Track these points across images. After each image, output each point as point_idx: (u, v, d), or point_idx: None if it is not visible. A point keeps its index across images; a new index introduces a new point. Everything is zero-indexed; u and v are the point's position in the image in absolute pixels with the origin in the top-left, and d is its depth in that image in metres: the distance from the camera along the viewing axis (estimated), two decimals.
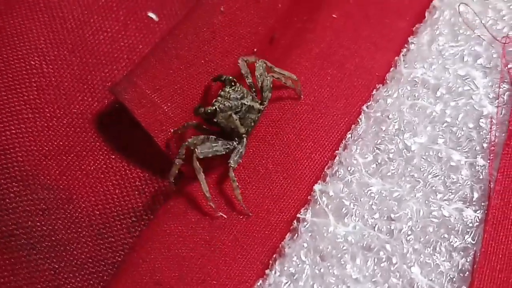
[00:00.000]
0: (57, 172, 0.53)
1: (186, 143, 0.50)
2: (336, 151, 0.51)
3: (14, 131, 0.53)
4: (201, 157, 0.49)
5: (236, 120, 0.50)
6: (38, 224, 0.52)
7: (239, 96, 0.50)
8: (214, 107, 0.50)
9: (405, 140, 0.50)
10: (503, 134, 0.50)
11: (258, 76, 0.52)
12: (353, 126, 0.52)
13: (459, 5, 0.54)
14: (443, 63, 0.53)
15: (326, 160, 0.52)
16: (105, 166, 0.54)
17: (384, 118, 0.51)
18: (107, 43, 0.57)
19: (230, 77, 0.51)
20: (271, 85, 0.52)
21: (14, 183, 0.53)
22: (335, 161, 0.50)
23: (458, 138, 0.50)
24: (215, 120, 0.50)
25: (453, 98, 0.51)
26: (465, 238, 0.47)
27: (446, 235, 0.47)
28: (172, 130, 0.52)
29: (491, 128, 0.50)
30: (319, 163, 0.52)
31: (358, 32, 0.57)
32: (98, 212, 0.53)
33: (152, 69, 0.53)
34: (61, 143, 0.54)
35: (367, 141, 0.50)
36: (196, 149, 0.49)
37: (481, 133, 0.50)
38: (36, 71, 0.55)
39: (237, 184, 0.49)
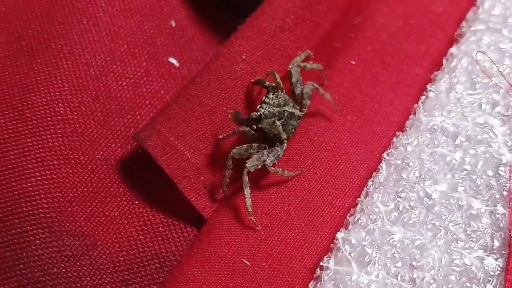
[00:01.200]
0: (82, 218, 0.54)
1: (232, 154, 0.51)
2: (358, 199, 0.52)
3: (39, 178, 0.54)
4: (252, 170, 0.50)
5: (279, 126, 0.51)
6: (64, 270, 0.53)
7: (282, 103, 0.52)
8: (259, 113, 0.51)
9: (425, 188, 0.51)
10: None
11: (295, 82, 0.53)
12: (374, 173, 0.53)
13: (476, 53, 0.55)
14: (461, 111, 0.53)
15: (348, 207, 0.52)
16: (128, 212, 0.55)
17: (404, 165, 0.52)
18: (130, 89, 0.58)
19: (273, 84, 0.52)
20: (311, 93, 0.54)
21: (39, 230, 0.54)
22: (357, 208, 0.51)
23: (477, 186, 0.51)
24: (259, 126, 0.51)
25: (472, 146, 0.52)
26: (487, 287, 0.47)
27: (468, 284, 0.48)
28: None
29: (510, 176, 0.51)
30: (341, 210, 0.52)
31: (376, 78, 0.58)
32: (122, 259, 0.54)
33: (175, 116, 0.54)
34: (85, 189, 0.55)
35: (388, 189, 0.51)
36: (246, 163, 0.50)
37: (500, 181, 0.51)
38: (60, 117, 0.56)
39: (281, 171, 0.51)
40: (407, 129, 0.54)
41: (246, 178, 0.50)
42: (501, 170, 0.51)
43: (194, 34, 0.63)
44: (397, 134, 0.54)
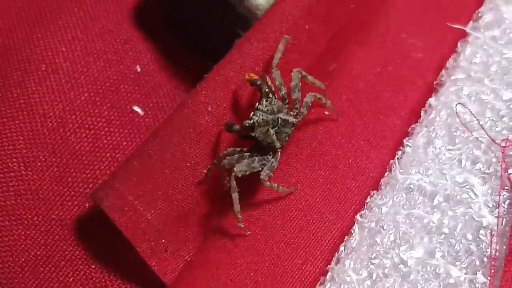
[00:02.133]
0: (34, 285, 0.50)
1: (234, 174, 0.48)
2: (329, 266, 0.48)
3: None
4: (239, 175, 0.48)
5: (273, 135, 0.49)
6: None
7: (275, 110, 0.49)
8: (252, 121, 0.48)
9: (401, 254, 0.47)
10: (504, 248, 0.47)
11: (294, 86, 0.51)
12: (346, 237, 0.49)
13: (456, 105, 0.52)
14: (440, 168, 0.50)
15: (318, 272, 0.49)
16: (84, 277, 0.51)
17: (378, 229, 0.49)
18: (89, 141, 0.55)
19: (267, 90, 0.49)
20: (311, 104, 0.51)
21: None
22: (327, 277, 0.47)
23: (456, 252, 0.47)
24: (252, 134, 0.48)
25: (450, 207, 0.49)
26: None
27: None
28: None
29: (491, 241, 0.47)
30: (310, 276, 0.49)
31: (351, 130, 0.54)
32: None
33: (135, 173, 0.51)
34: (38, 252, 0.51)
35: (361, 255, 0.48)
36: (234, 168, 0.48)
37: (481, 246, 0.48)
38: (14, 174, 0.53)
39: (276, 187, 0.49)
40: (382, 187, 0.50)
41: (234, 183, 0.48)
42: (482, 234, 0.48)
43: (161, 79, 0.59)
44: (372, 194, 0.50)
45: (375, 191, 0.51)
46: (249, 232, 0.50)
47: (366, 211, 0.50)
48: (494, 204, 0.49)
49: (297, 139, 0.54)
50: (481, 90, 0.53)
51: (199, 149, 0.52)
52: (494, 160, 0.50)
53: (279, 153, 0.50)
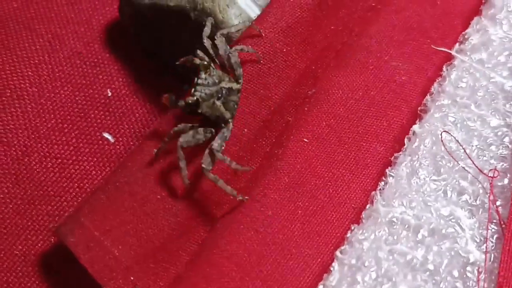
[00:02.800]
0: None
1: (179, 144, 0.47)
2: None
3: None
4: (185, 146, 0.47)
5: (220, 106, 0.47)
6: None
7: (217, 81, 0.47)
8: (195, 97, 0.46)
9: None
10: (493, 285, 0.44)
11: (224, 53, 0.49)
12: (325, 275, 0.46)
13: (441, 133, 0.49)
14: (424, 200, 0.47)
15: None
16: None
17: (359, 266, 0.46)
18: (56, 171, 0.52)
19: (205, 62, 0.47)
20: (239, 60, 0.49)
21: None
22: None
23: None
24: (199, 111, 0.47)
25: (436, 242, 0.46)
26: None
27: None
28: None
29: (478, 278, 0.45)
30: None
31: (331, 158, 0.52)
32: None
33: (102, 207, 0.48)
34: None
35: None
36: (179, 138, 0.47)
37: (468, 283, 0.45)
38: None
39: (229, 161, 0.47)
40: (363, 221, 0.48)
41: (181, 153, 0.47)
42: (469, 271, 0.45)
43: (133, 104, 0.57)
44: (352, 228, 0.47)
45: (356, 225, 0.48)
46: (188, 182, 0.48)
47: (347, 246, 0.47)
48: (482, 238, 0.46)
49: (275, 168, 0.51)
50: (467, 116, 0.50)
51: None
52: (481, 191, 0.47)
53: (231, 123, 0.49)
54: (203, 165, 0.47)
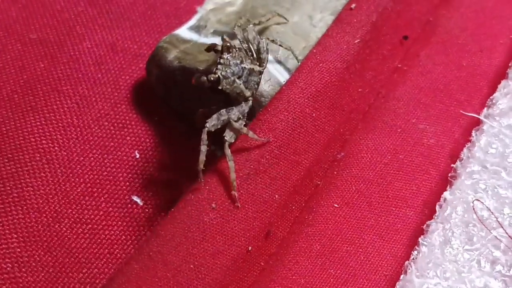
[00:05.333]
0: None
1: (207, 128, 0.48)
2: None
3: None
4: (213, 130, 0.48)
5: (241, 84, 0.49)
6: None
7: (238, 61, 0.49)
8: (217, 75, 0.48)
9: None
10: None
11: (252, 39, 0.51)
12: None
13: (473, 201, 0.49)
14: (458, 271, 0.47)
15: None
16: None
17: None
18: (86, 237, 0.52)
19: (227, 44, 0.50)
20: (267, 47, 0.52)
21: None
22: None
23: None
24: (220, 87, 0.48)
25: None
26: None
27: None
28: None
29: None
30: None
31: (362, 223, 0.52)
32: None
33: (135, 277, 0.48)
34: None
35: None
36: (206, 124, 0.48)
37: None
38: (7, 276, 0.50)
39: (246, 130, 0.49)
40: None
41: (205, 136, 0.48)
42: None
43: (161, 166, 0.57)
44: None
45: None
46: (239, 205, 0.48)
47: None
48: None
49: (306, 235, 0.51)
50: (498, 184, 0.50)
51: (203, 249, 0.49)
52: None
53: (251, 101, 0.50)
54: (225, 138, 0.48)
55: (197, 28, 0.59)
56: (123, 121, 0.58)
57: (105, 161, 0.55)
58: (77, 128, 0.56)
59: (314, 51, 0.55)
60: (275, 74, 0.55)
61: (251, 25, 0.52)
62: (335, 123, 0.55)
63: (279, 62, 0.56)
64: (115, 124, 0.57)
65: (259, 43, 0.51)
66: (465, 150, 0.52)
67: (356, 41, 0.56)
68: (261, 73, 0.51)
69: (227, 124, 0.49)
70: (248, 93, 0.50)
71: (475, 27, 0.60)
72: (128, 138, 0.57)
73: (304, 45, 0.57)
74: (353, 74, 0.56)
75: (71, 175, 0.54)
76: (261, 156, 0.51)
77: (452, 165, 0.53)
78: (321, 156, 0.54)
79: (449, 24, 0.60)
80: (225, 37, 0.51)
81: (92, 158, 0.55)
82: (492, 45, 0.59)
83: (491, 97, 0.55)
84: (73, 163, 0.55)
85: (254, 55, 0.51)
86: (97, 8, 0.63)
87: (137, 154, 0.56)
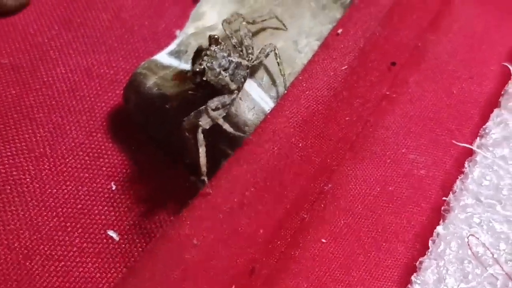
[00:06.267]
0: None
1: (202, 126, 0.48)
2: None
3: None
4: (207, 127, 0.48)
5: (226, 77, 0.49)
6: None
7: (225, 54, 0.49)
8: (202, 66, 0.48)
9: None
10: None
11: (244, 35, 0.51)
12: None
13: (468, 236, 0.47)
14: None
15: None
16: None
17: None
18: (59, 275, 0.50)
19: (215, 36, 0.49)
20: (269, 53, 0.51)
21: None
22: None
23: None
24: (204, 79, 0.48)
25: None
26: None
27: None
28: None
29: None
30: None
31: (351, 260, 0.49)
32: None
33: None
34: None
35: None
36: (199, 122, 0.48)
37: None
38: None
39: (222, 122, 0.48)
40: None
41: (201, 137, 0.47)
42: None
43: (138, 197, 0.54)
44: None
45: None
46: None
47: None
48: None
49: (292, 272, 0.48)
50: (493, 217, 0.48)
51: None
52: None
53: (235, 95, 0.50)
54: (200, 122, 0.47)
55: (177, 54, 0.56)
56: (99, 150, 0.55)
57: (80, 194, 0.52)
58: (50, 158, 0.53)
59: (300, 78, 0.53)
60: (259, 102, 0.53)
61: (241, 22, 0.52)
62: (322, 153, 0.53)
63: (263, 89, 0.53)
64: (90, 154, 0.54)
65: (251, 42, 0.51)
66: (458, 182, 0.50)
67: (343, 68, 0.54)
68: (248, 67, 0.50)
69: (204, 110, 0.48)
70: (233, 86, 0.49)
71: (464, 52, 0.58)
72: (104, 168, 0.54)
73: (289, 72, 0.54)
74: (340, 102, 0.54)
75: (43, 208, 0.51)
76: (245, 189, 0.49)
77: (445, 198, 0.50)
78: (307, 188, 0.52)
79: (438, 49, 0.58)
80: (223, 23, 0.51)
81: (65, 191, 0.52)
82: (482, 72, 0.58)
83: (483, 127, 0.53)
84: (46, 195, 0.52)
85: (244, 50, 0.51)
86: (71, 32, 0.60)
87: (113, 185, 0.53)
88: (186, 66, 0.55)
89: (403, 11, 0.58)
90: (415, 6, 0.58)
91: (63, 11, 0.62)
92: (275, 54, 0.52)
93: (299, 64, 0.55)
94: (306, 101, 0.52)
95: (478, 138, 0.52)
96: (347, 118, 0.54)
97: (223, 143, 0.52)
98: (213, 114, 0.48)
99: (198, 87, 0.49)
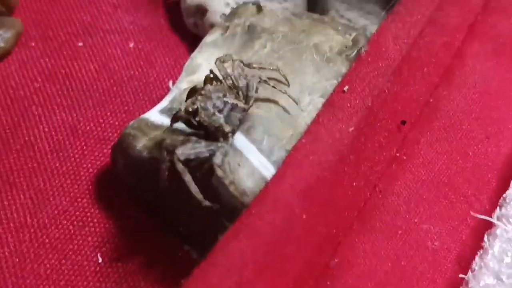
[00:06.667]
0: None
1: (164, 145, 0.45)
2: None
3: None
4: (182, 158, 0.45)
5: (220, 118, 0.46)
6: None
7: (220, 94, 0.47)
8: (195, 106, 0.46)
9: None
10: None
11: (238, 76, 0.49)
12: None
13: None
14: None
15: None
16: None
17: None
18: None
19: (210, 76, 0.48)
20: (257, 86, 0.49)
21: None
22: None
23: None
24: (197, 119, 0.46)
25: None
26: None
27: None
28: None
29: None
30: None
31: None
32: None
33: None
34: None
35: None
36: (176, 151, 0.45)
37: None
38: None
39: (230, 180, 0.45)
40: None
41: (180, 165, 0.45)
42: None
43: (128, 271, 0.50)
44: None
45: None
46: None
47: None
48: None
49: None
50: None
51: None
52: None
53: (231, 138, 0.47)
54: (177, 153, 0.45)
55: (169, 111, 0.52)
56: (84, 218, 0.51)
57: (63, 268, 0.48)
58: (31, 228, 0.49)
59: (303, 141, 0.49)
60: (259, 168, 0.48)
61: (237, 61, 0.49)
62: (328, 224, 0.49)
63: (263, 153, 0.49)
64: (75, 222, 0.50)
65: (249, 82, 0.48)
66: (477, 258, 0.46)
67: (350, 129, 0.50)
68: (245, 110, 0.48)
69: (184, 142, 0.46)
70: (228, 128, 0.47)
71: (480, 110, 0.54)
72: (90, 238, 0.50)
73: (292, 133, 0.50)
74: (347, 166, 0.50)
75: (23, 285, 0.47)
76: (244, 267, 0.44)
77: (463, 275, 0.46)
78: (312, 263, 0.47)
79: (451, 106, 0.54)
80: (212, 69, 0.49)
81: (48, 265, 0.48)
82: (499, 131, 0.54)
83: (504, 196, 0.48)
84: (26, 271, 0.48)
85: (240, 92, 0.49)
86: (56, 85, 0.56)
87: (99, 258, 0.49)
88: (179, 125, 0.50)
89: (413, 64, 0.54)
90: (426, 59, 0.54)
91: (47, 61, 0.58)
92: (264, 81, 0.49)
93: (302, 124, 0.51)
94: (310, 166, 0.48)
95: (498, 208, 0.48)
96: (354, 184, 0.50)
97: (221, 214, 0.48)
98: (220, 172, 0.46)
99: (190, 127, 0.47)
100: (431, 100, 0.54)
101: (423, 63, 0.54)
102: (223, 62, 0.49)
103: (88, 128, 0.55)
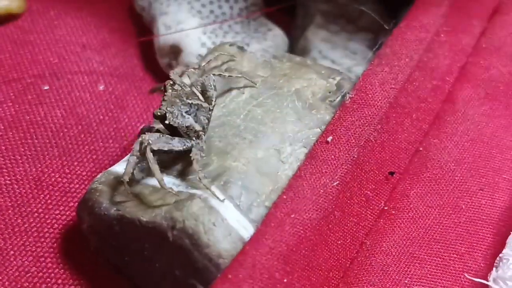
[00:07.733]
0: None
1: (140, 139, 0.45)
2: None
3: None
4: (155, 148, 0.45)
5: (189, 118, 0.48)
6: None
7: (184, 97, 0.48)
8: (163, 110, 0.47)
9: None
10: None
11: (194, 82, 0.50)
12: None
13: None
14: None
15: None
16: None
17: None
18: None
19: (170, 82, 0.49)
20: (213, 83, 0.50)
21: None
22: None
23: None
24: (167, 122, 0.47)
25: None
26: None
27: None
28: None
29: None
30: None
31: None
32: None
33: None
34: None
35: None
36: (150, 140, 0.45)
37: None
38: None
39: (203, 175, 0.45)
40: None
41: (150, 154, 0.45)
42: None
43: None
44: None
45: None
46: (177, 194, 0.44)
47: None
48: None
49: None
50: None
51: None
52: None
53: (204, 136, 0.48)
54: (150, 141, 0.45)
55: (140, 163, 0.48)
56: (48, 279, 0.47)
57: None
58: None
59: (284, 197, 0.45)
60: (237, 228, 0.45)
61: (191, 70, 0.51)
62: (311, 287, 0.45)
63: (241, 211, 0.45)
64: (38, 284, 0.46)
65: (203, 82, 0.50)
66: None
67: (334, 183, 0.46)
68: (210, 110, 0.49)
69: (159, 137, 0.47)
70: (198, 127, 0.48)
71: (473, 159, 0.51)
72: None
73: (271, 188, 0.47)
74: (331, 224, 0.46)
75: None
76: None
77: None
78: None
79: (442, 155, 0.51)
80: (172, 75, 0.50)
81: None
82: (494, 182, 0.50)
83: (500, 255, 0.45)
84: None
85: (200, 97, 0.49)
86: (19, 133, 0.52)
87: None
88: (151, 181, 0.47)
89: (401, 111, 0.51)
90: (415, 105, 0.51)
91: (10, 106, 0.54)
92: (220, 75, 0.51)
93: (282, 178, 0.47)
94: (291, 226, 0.44)
95: (494, 269, 0.45)
96: (339, 242, 0.47)
97: (192, 277, 0.44)
98: (196, 166, 0.45)
99: (166, 129, 0.48)
100: (421, 149, 0.51)
101: (411, 109, 0.51)
102: (181, 75, 0.51)
103: (53, 180, 0.51)
